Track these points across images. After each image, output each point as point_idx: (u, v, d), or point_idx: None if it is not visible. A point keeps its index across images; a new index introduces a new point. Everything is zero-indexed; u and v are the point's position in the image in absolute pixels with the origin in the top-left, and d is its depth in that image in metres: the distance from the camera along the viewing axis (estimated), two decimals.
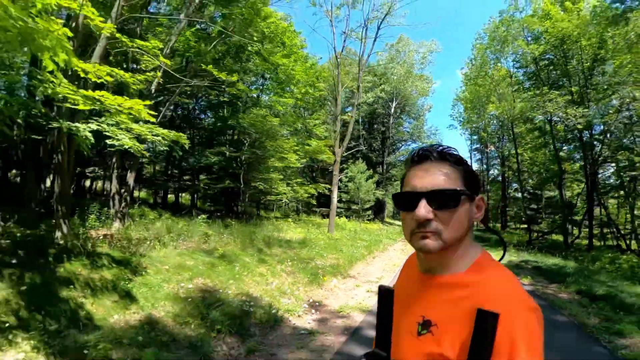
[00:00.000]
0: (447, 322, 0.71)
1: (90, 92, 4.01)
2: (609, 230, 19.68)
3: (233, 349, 3.61)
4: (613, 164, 16.93)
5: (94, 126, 4.68)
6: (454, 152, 0.78)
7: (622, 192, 17.99)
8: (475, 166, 34.82)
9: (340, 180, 20.18)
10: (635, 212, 16.79)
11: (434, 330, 0.72)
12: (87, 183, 15.44)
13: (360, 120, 27.51)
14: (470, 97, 26.77)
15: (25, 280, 3.70)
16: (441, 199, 0.73)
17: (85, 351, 2.92)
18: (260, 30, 11.86)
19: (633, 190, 16.08)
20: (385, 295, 0.90)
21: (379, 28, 15.69)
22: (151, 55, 6.50)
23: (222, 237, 7.98)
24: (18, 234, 5.16)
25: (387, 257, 11.62)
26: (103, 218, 7.46)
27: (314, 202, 20.36)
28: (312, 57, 20.99)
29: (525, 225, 24.95)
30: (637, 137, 14.74)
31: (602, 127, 15.67)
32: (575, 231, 19.49)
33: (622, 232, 18.77)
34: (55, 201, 5.61)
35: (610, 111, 13.38)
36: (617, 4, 12.39)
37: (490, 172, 34.88)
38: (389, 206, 33.64)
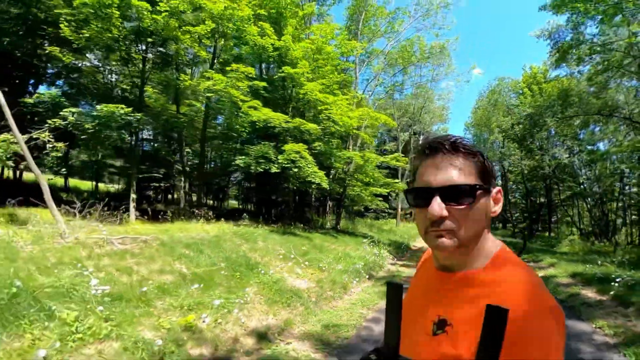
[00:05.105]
0: (463, 321, 0.68)
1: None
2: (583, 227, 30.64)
3: (402, 254, 15.73)
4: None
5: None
6: (467, 143, 0.74)
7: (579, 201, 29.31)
8: None
9: (390, 195, 32.33)
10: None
11: (449, 330, 0.70)
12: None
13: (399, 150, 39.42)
14: (476, 133, 38.50)
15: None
16: (456, 195, 0.70)
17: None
18: None
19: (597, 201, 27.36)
20: (393, 290, 0.83)
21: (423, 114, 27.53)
22: None
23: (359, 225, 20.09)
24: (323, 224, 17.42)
25: None
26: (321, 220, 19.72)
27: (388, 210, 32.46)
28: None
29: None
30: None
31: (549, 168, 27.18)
32: (543, 227, 31.07)
33: (586, 229, 30.04)
34: (321, 213, 17.89)
35: (548, 161, 24.91)
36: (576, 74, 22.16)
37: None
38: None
